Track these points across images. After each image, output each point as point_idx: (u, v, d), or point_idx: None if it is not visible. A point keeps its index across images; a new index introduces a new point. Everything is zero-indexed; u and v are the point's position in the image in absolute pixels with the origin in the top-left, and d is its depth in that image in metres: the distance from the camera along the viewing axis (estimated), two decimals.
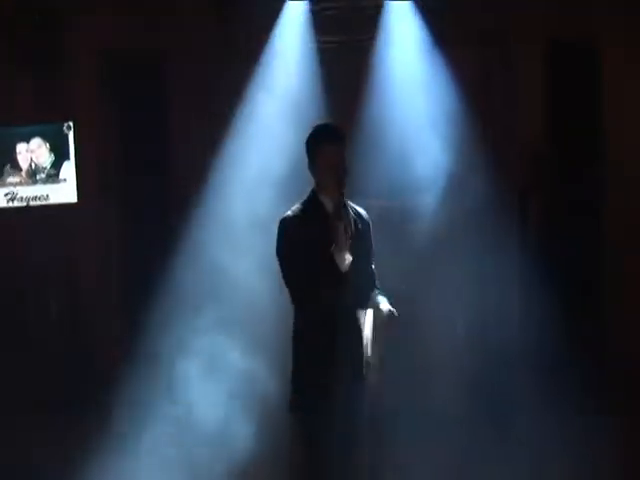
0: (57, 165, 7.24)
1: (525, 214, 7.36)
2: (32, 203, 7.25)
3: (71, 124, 7.18)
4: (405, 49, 6.74)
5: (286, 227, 3.62)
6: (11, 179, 7.29)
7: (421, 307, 6.25)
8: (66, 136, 7.20)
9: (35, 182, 7.27)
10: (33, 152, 7.27)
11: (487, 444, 6.02)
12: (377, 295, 3.69)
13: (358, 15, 6.76)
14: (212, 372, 6.72)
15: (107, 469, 5.37)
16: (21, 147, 7.28)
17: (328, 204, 3.61)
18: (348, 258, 3.50)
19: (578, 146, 6.59)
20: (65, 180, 7.21)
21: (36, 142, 7.27)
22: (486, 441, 6.08)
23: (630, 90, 7.30)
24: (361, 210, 3.80)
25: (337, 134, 3.69)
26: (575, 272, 6.59)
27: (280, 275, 3.65)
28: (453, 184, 6.60)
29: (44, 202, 7.23)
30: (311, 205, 3.67)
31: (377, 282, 3.79)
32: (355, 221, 3.68)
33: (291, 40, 6.74)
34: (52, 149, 7.24)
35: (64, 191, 7.21)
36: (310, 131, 3.76)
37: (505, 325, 6.78)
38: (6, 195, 7.28)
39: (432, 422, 6.17)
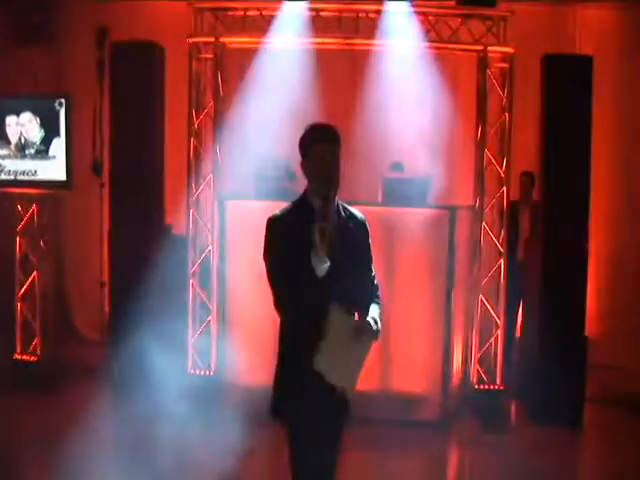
0: (47, 141, 7.14)
1: (515, 225, 7.39)
2: (20, 177, 7.18)
3: (63, 101, 7.07)
4: (402, 52, 6.71)
5: (271, 227, 3.52)
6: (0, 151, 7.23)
7: (406, 313, 6.25)
8: (57, 112, 7.09)
9: (24, 157, 7.18)
10: (23, 126, 7.17)
11: (471, 450, 6.08)
12: (371, 304, 3.55)
13: (355, 17, 6.71)
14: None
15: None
16: (10, 120, 7.19)
17: (317, 204, 3.48)
18: (325, 262, 3.39)
19: (568, 158, 6.59)
20: (54, 157, 7.12)
21: (26, 116, 7.16)
22: (470, 447, 6.15)
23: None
24: (358, 213, 3.63)
25: (328, 134, 3.56)
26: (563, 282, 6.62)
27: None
28: (443, 193, 6.59)
29: (32, 177, 7.16)
30: (299, 205, 3.57)
31: (378, 291, 3.63)
32: (347, 224, 3.54)
33: (288, 41, 6.67)
34: (42, 124, 7.13)
35: (53, 168, 7.12)
36: (303, 130, 3.70)
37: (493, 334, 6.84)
38: None
39: (416, 429, 6.18)
